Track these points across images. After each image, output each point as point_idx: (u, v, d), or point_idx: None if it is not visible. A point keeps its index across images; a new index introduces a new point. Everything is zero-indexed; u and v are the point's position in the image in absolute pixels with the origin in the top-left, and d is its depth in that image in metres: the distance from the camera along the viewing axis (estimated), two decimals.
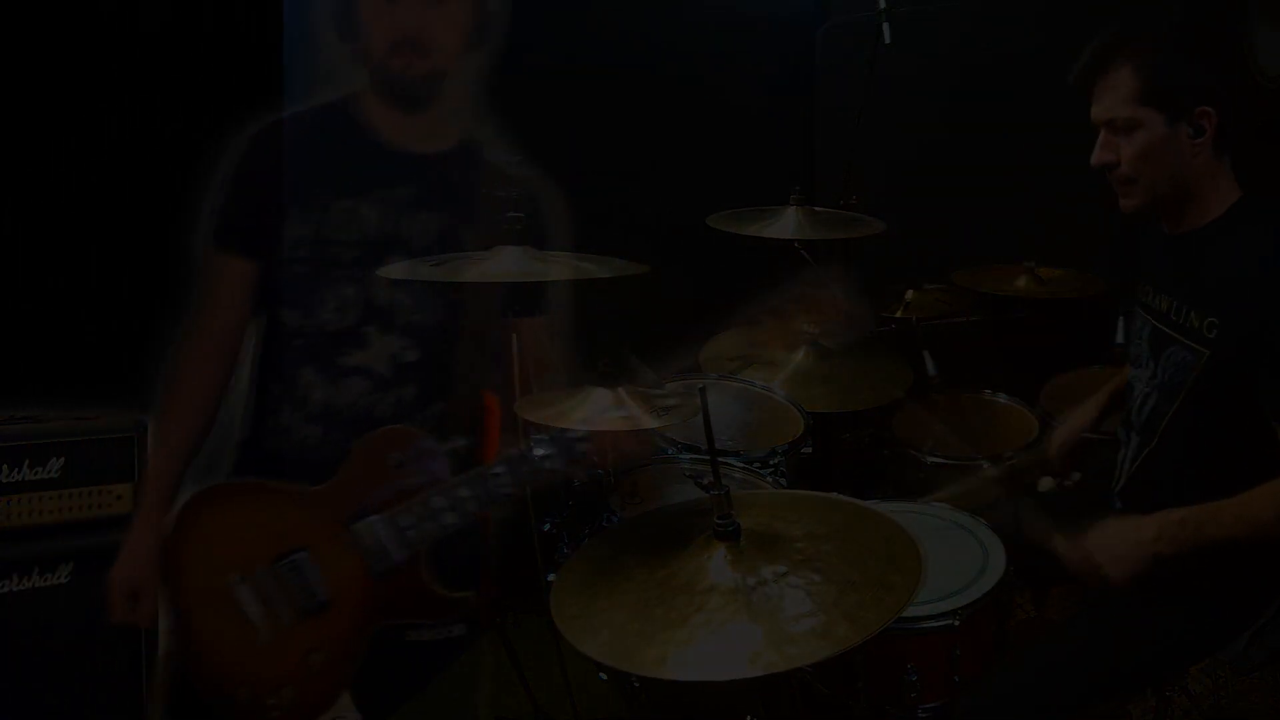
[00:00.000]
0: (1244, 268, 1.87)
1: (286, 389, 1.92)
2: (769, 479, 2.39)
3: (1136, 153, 1.91)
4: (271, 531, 1.87)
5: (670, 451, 2.44)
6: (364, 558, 1.84)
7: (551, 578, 1.70)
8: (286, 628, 1.86)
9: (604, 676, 2.19)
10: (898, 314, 3.23)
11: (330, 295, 1.89)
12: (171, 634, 1.96)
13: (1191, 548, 1.82)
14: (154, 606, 1.93)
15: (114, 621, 1.94)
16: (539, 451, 1.82)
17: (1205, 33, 1.88)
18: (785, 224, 2.52)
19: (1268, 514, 1.78)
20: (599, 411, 1.90)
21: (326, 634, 1.85)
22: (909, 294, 3.29)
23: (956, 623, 1.96)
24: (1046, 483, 2.58)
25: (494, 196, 1.85)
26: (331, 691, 1.86)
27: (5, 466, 2.07)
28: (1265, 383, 1.81)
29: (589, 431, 1.80)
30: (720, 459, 1.68)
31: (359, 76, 1.96)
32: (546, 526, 2.35)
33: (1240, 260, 1.88)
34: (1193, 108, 1.88)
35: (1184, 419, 1.96)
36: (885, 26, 3.00)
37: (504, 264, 1.78)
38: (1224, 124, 1.89)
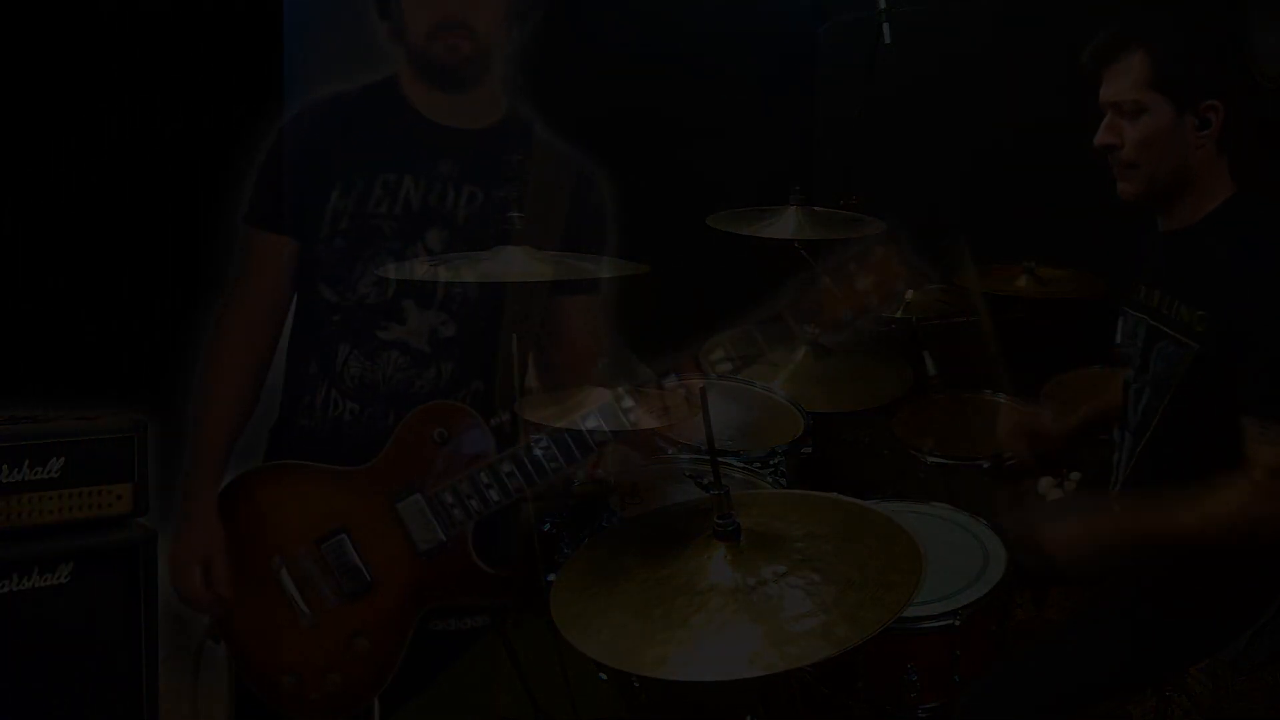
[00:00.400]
0: (1233, 263, 1.87)
1: (323, 366, 1.92)
2: (769, 479, 2.39)
3: (1141, 138, 1.91)
4: (313, 513, 1.87)
5: (670, 451, 2.44)
6: (409, 537, 1.84)
7: (551, 578, 1.70)
8: (331, 610, 1.86)
9: (604, 676, 2.19)
10: (898, 314, 3.23)
11: (370, 269, 1.89)
12: (215, 622, 1.95)
13: (1129, 551, 1.84)
14: (227, 575, 1.91)
15: (192, 599, 1.91)
16: (588, 423, 1.78)
17: (1217, 29, 1.90)
18: (785, 224, 2.52)
19: (1193, 521, 1.78)
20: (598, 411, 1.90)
21: (372, 616, 1.85)
22: (909, 294, 3.28)
23: (956, 623, 1.96)
24: (1046, 483, 2.58)
25: (496, 196, 1.85)
26: (378, 676, 1.85)
27: (5, 466, 2.07)
28: (1244, 376, 1.82)
29: (637, 398, 1.78)
30: (720, 459, 1.68)
31: (397, 55, 1.94)
32: (546, 526, 2.34)
33: (1229, 255, 1.88)
34: (1201, 100, 1.88)
35: (1174, 415, 1.96)
36: (885, 26, 3.00)
37: (504, 264, 1.78)
38: (1230, 121, 1.89)
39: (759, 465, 2.42)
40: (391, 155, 1.90)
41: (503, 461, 1.83)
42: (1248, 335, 1.81)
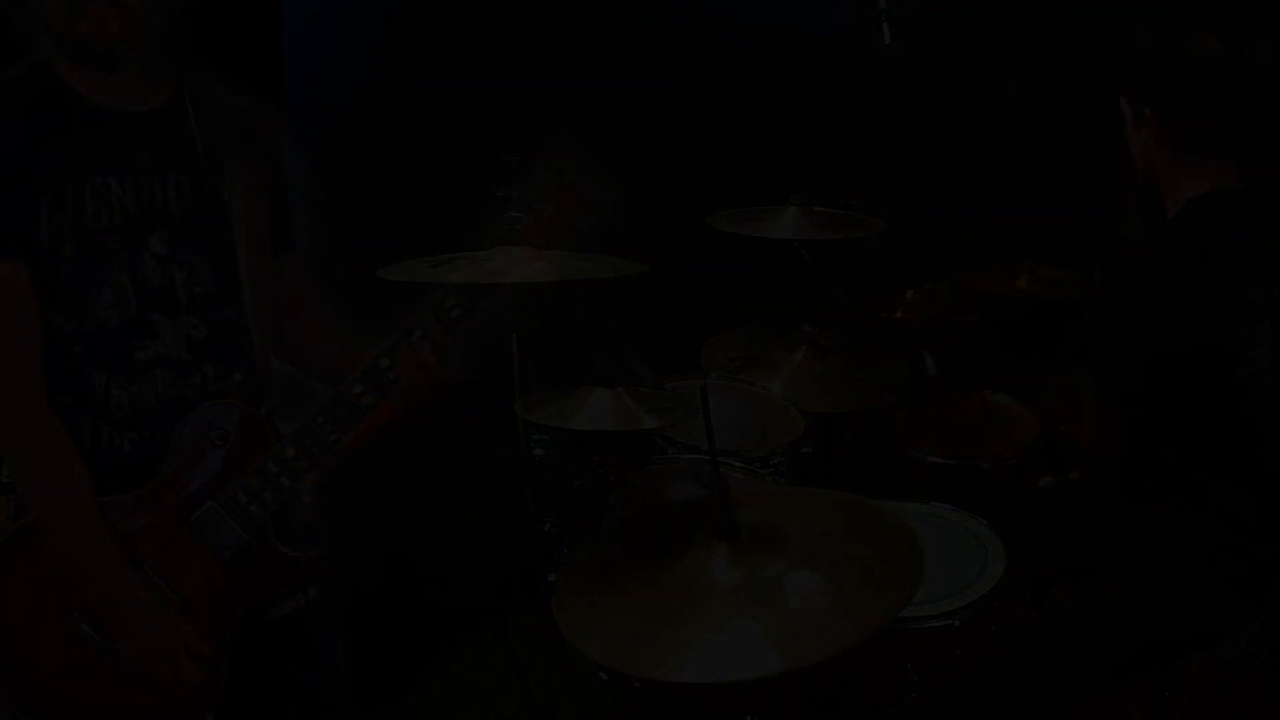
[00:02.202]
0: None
1: (80, 400, 1.75)
2: (769, 479, 2.40)
3: (1126, 139, 2.06)
4: None
5: (670, 451, 2.44)
6: (211, 547, 1.76)
7: (552, 578, 1.71)
8: None
9: (604, 676, 2.19)
10: (898, 314, 3.24)
11: (105, 289, 1.72)
12: (14, 699, 1.74)
13: None
14: (190, 627, 1.75)
15: (190, 676, 1.72)
16: (356, 389, 1.76)
17: (1159, 35, 1.98)
18: (785, 224, 2.52)
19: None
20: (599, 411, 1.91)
21: (190, 639, 1.74)
22: (909, 294, 3.29)
23: (957, 623, 1.96)
24: (1048, 480, 2.59)
25: (495, 196, 1.82)
26: (207, 693, 1.75)
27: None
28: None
29: (393, 358, 1.76)
30: (720, 459, 1.68)
31: (41, 38, 1.70)
32: (546, 526, 2.35)
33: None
34: (1140, 104, 1.99)
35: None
36: (885, 26, 3.01)
37: (504, 264, 1.78)
38: (1171, 122, 1.96)
39: (759, 465, 2.42)
40: (87, 156, 1.71)
41: (285, 446, 1.77)
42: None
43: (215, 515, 1.76)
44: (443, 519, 3.14)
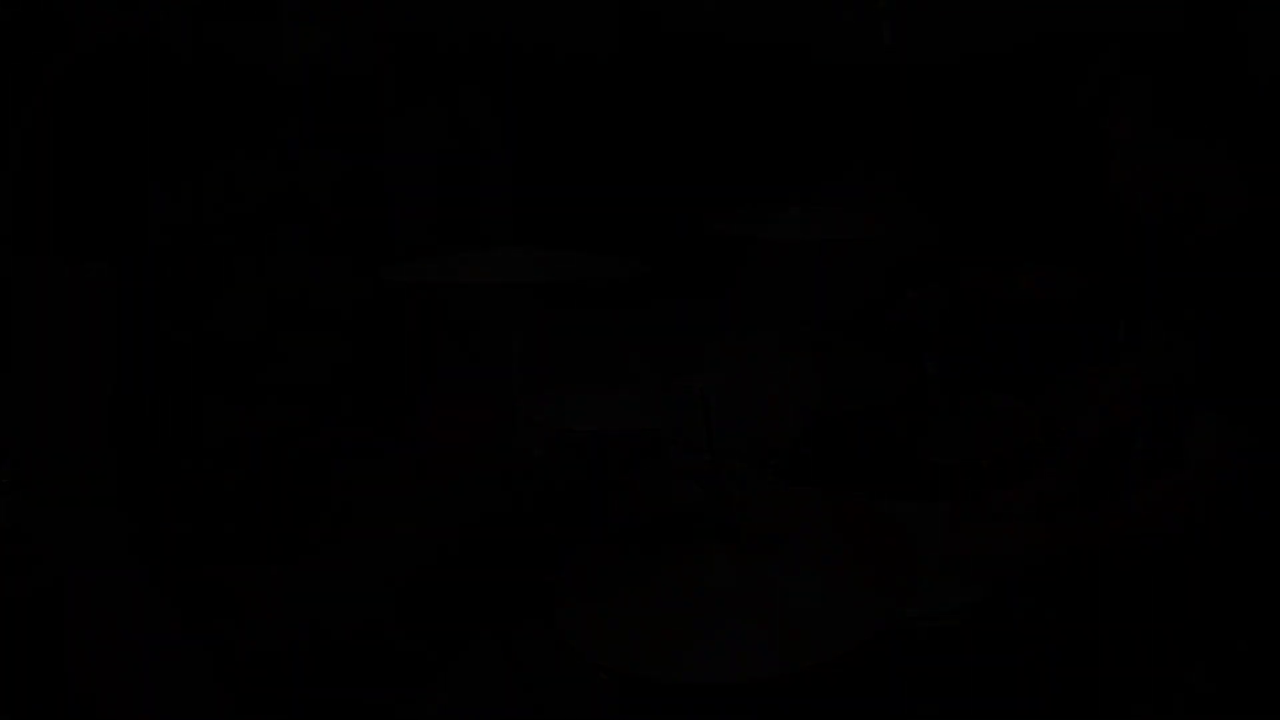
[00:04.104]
0: (1240, 273, 1.88)
1: (183, 425, 1.54)
2: (769, 479, 2.39)
3: (1148, 172, 1.91)
4: None
5: (670, 451, 2.44)
6: None
7: (552, 578, 1.71)
8: None
9: (604, 676, 2.19)
10: (898, 314, 3.23)
11: (225, 296, 1.52)
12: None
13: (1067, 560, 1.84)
14: None
15: None
16: None
17: (1201, 42, 1.91)
18: (785, 223, 2.52)
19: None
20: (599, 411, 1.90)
21: None
22: (909, 294, 3.28)
23: (957, 623, 1.96)
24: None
25: (502, 195, 1.77)
26: None
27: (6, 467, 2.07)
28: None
29: None
30: (720, 459, 1.67)
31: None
32: (546, 527, 2.34)
33: (1240, 265, 1.89)
34: (1198, 119, 1.88)
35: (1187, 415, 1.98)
36: (885, 26, 3.01)
37: (505, 264, 1.78)
38: (1232, 128, 1.89)
39: (759, 465, 2.42)
40: (210, 129, 1.48)
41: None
42: (1241, 340, 1.82)
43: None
44: (442, 520, 3.14)
